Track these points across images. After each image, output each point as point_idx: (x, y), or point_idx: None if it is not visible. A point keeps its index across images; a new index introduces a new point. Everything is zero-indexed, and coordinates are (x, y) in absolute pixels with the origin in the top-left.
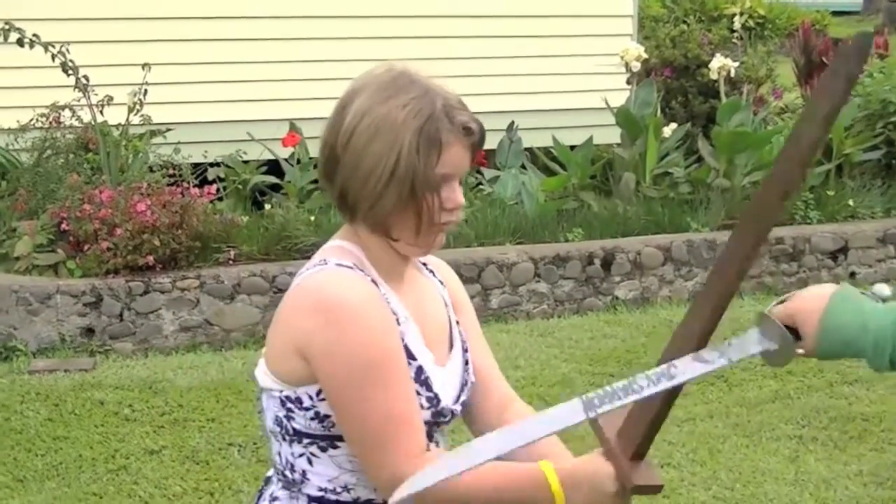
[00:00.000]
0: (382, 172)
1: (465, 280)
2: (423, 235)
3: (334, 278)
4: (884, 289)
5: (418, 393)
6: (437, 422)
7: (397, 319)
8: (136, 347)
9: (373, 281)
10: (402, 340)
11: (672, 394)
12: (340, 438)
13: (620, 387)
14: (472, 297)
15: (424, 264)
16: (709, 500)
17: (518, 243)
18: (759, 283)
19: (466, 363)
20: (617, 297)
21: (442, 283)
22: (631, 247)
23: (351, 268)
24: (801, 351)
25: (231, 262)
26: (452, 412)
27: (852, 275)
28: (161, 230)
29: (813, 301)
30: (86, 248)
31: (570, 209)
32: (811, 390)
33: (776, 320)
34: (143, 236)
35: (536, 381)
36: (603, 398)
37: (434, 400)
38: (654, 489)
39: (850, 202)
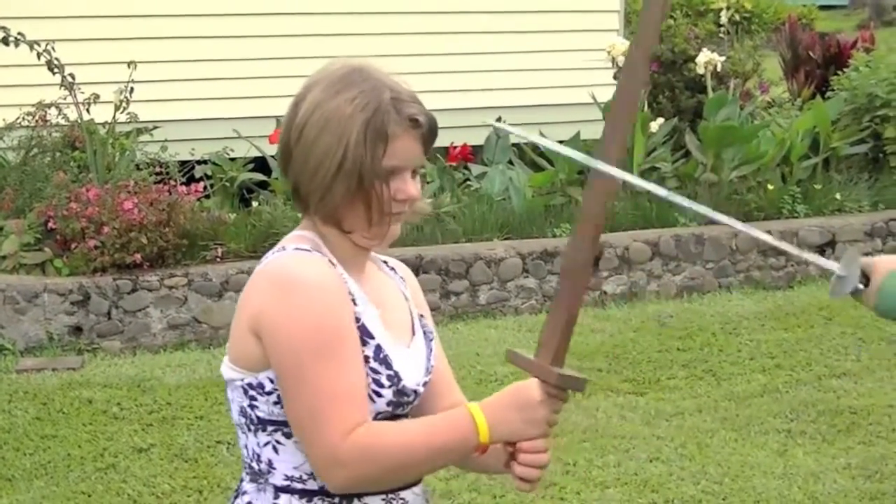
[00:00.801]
0: (330, 165)
1: (453, 276)
2: (376, 227)
3: (291, 259)
4: None
5: (377, 371)
6: (400, 401)
7: (354, 300)
8: (124, 346)
9: (330, 262)
10: (359, 320)
11: (577, 294)
12: None
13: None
14: (459, 293)
15: (385, 262)
16: (697, 495)
17: (506, 239)
18: (747, 277)
19: (431, 351)
20: (605, 292)
21: (403, 280)
22: (619, 242)
23: (309, 251)
24: (863, 296)
25: (219, 259)
26: (415, 392)
27: None
28: (148, 228)
29: (889, 263)
30: (73, 246)
31: (558, 204)
32: (799, 384)
33: (859, 259)
34: (131, 234)
35: (524, 377)
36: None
37: (395, 378)
38: (578, 382)
39: (838, 196)
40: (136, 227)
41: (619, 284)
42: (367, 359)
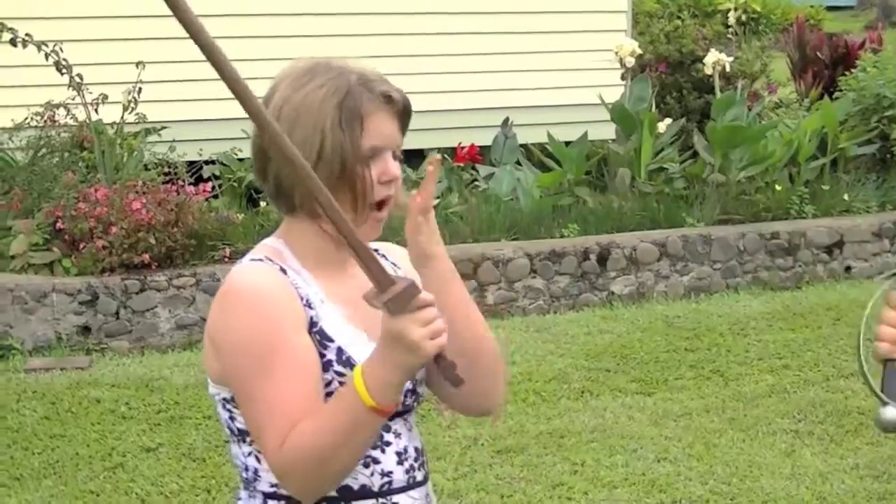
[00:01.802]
0: (310, 154)
1: (461, 276)
2: (361, 215)
3: (239, 270)
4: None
5: (342, 374)
6: None
7: (309, 303)
8: (133, 345)
9: (282, 269)
10: (317, 324)
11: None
12: None
13: None
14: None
15: (376, 250)
16: (705, 495)
17: (514, 239)
18: (755, 278)
19: None
20: (613, 293)
21: (395, 266)
22: (626, 242)
23: (261, 260)
24: None
25: (227, 259)
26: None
27: (848, 269)
28: (157, 228)
29: None
30: (81, 246)
31: (566, 205)
32: (807, 385)
33: None
34: (139, 234)
35: (532, 377)
36: None
37: None
38: (404, 295)
39: (846, 196)
40: (145, 227)
41: (627, 285)
42: (330, 363)
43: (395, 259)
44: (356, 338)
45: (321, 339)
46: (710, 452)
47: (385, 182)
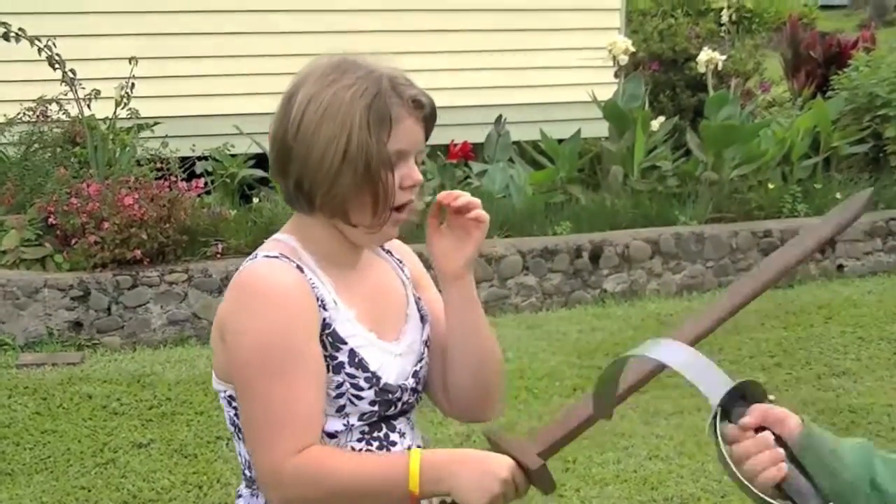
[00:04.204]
0: (335, 154)
1: None
2: (380, 218)
3: (255, 268)
4: None
5: (354, 375)
6: (386, 399)
7: (323, 305)
8: (124, 341)
9: (298, 267)
10: (330, 326)
11: (592, 418)
12: None
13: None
14: None
15: (388, 251)
16: (697, 493)
17: (506, 236)
18: None
19: (427, 340)
20: (605, 290)
21: (401, 262)
22: (619, 240)
23: (277, 257)
24: None
25: (219, 255)
26: (404, 388)
27: (840, 268)
28: (149, 224)
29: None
30: (73, 241)
31: (559, 202)
32: (799, 382)
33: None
34: (131, 230)
35: (525, 374)
36: None
37: (373, 379)
38: (549, 484)
39: (838, 195)
40: (137, 222)
41: (620, 282)
42: (342, 365)
43: (401, 255)
44: (367, 339)
45: (334, 340)
46: (701, 450)
47: (408, 187)
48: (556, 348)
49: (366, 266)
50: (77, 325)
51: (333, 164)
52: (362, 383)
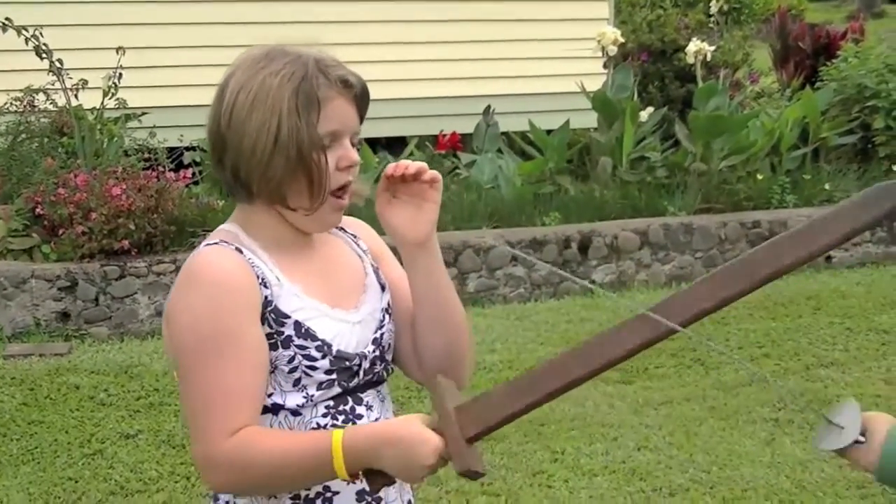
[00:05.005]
0: (267, 139)
1: None
2: (318, 200)
3: (195, 254)
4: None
5: (304, 346)
6: (344, 367)
7: (265, 283)
8: (112, 332)
9: (238, 249)
10: (272, 303)
11: (543, 398)
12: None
13: None
14: None
15: (342, 228)
16: (685, 483)
17: (495, 227)
18: None
19: (388, 308)
20: (594, 281)
21: (355, 237)
22: (608, 231)
23: (217, 243)
24: (859, 453)
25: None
26: (363, 356)
27: (828, 259)
28: (136, 214)
29: (886, 420)
30: (61, 232)
31: (547, 193)
32: (788, 373)
33: (858, 412)
34: (119, 220)
35: (513, 365)
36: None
37: (324, 347)
38: (477, 474)
39: (827, 186)
40: (125, 213)
41: (608, 273)
42: (290, 338)
43: (355, 231)
44: (319, 310)
45: (276, 316)
46: (690, 441)
47: (344, 168)
48: (545, 339)
49: (318, 245)
50: (64, 315)
51: (266, 149)
52: (314, 353)
